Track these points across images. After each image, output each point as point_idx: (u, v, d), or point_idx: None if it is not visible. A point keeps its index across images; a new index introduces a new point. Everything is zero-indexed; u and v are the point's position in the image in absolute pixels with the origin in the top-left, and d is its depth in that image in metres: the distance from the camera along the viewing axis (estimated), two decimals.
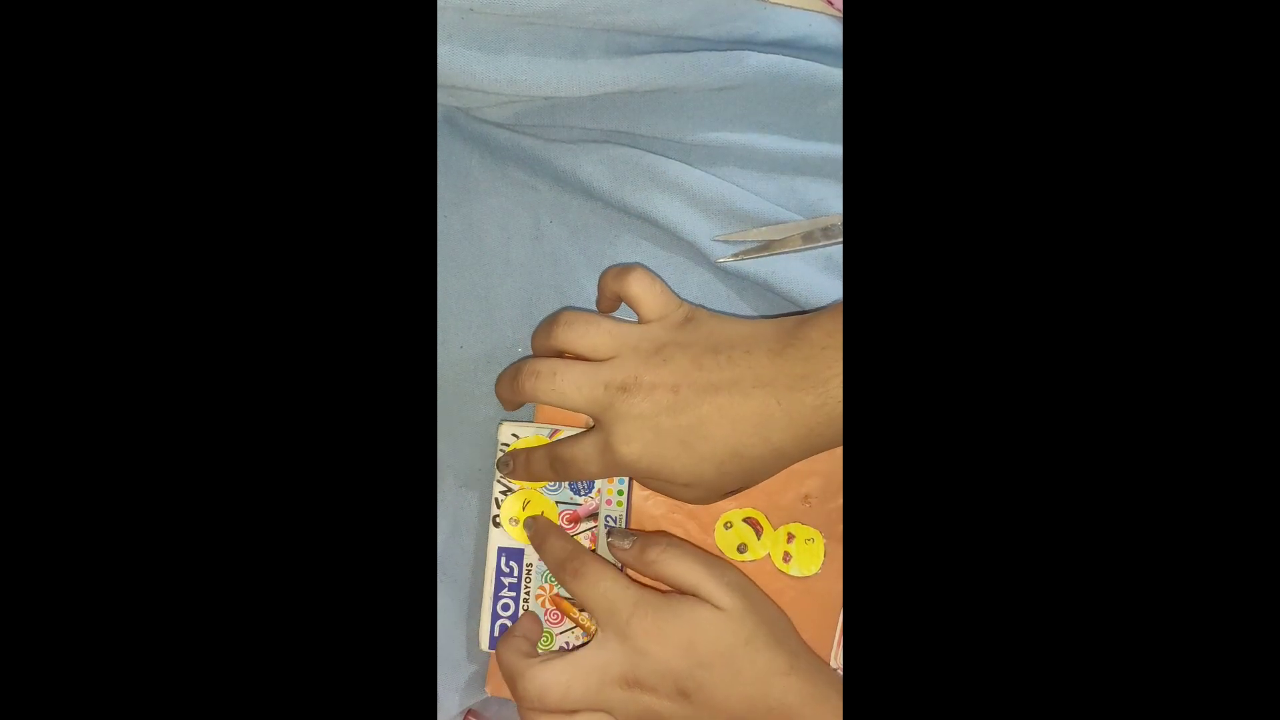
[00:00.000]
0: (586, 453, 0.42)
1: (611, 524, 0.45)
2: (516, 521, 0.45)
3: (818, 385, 0.38)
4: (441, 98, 0.47)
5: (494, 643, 0.45)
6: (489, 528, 0.46)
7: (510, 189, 0.48)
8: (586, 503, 0.46)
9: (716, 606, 0.40)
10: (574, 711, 0.40)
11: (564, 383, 0.41)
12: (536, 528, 0.45)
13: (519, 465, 0.45)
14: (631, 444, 0.40)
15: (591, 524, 0.45)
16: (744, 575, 0.43)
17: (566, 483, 0.46)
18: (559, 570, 0.43)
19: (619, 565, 0.43)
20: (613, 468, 0.41)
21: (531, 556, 0.45)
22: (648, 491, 0.46)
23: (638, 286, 0.43)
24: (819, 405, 0.38)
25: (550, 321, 0.44)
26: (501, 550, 0.45)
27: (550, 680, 0.40)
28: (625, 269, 0.43)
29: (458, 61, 0.44)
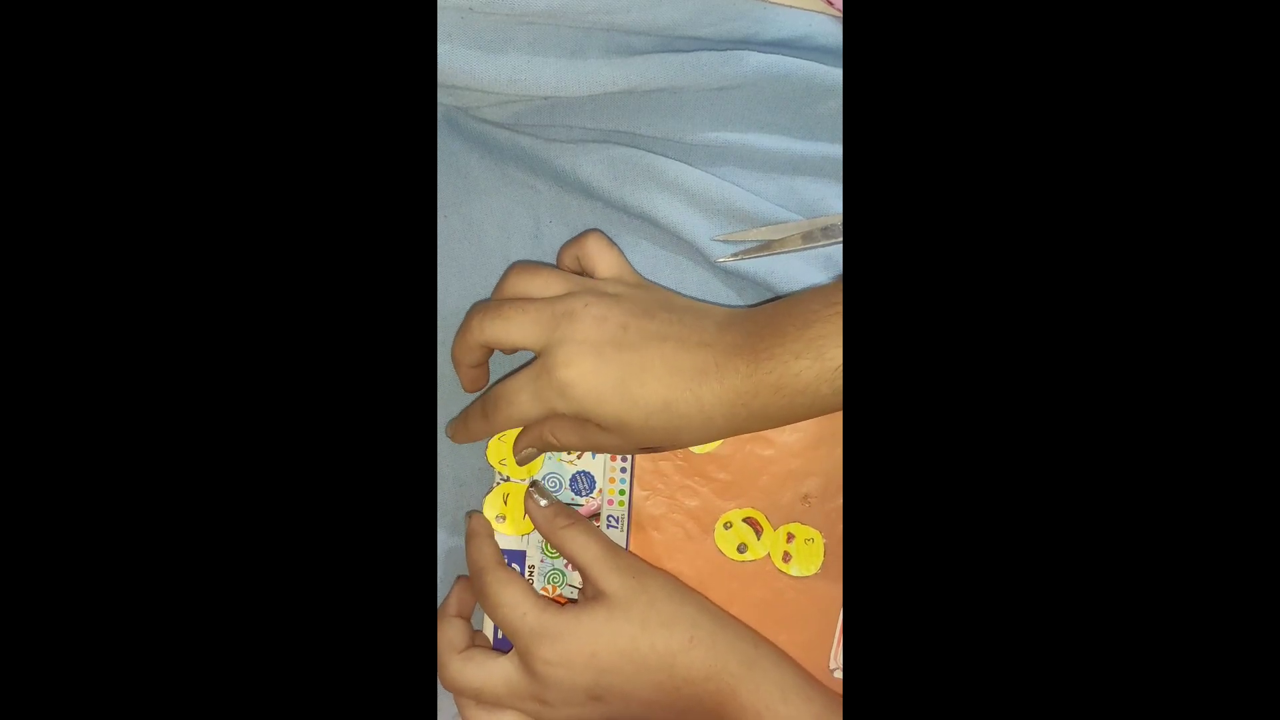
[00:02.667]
0: (519, 382, 0.41)
1: (614, 524, 0.45)
2: (504, 519, 0.45)
3: (752, 357, 0.38)
4: (441, 98, 0.47)
5: (497, 644, 0.45)
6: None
7: (510, 189, 0.48)
8: (588, 503, 0.46)
9: (602, 591, 0.41)
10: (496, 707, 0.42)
11: (512, 316, 0.41)
12: (470, 526, 0.45)
13: (456, 426, 0.45)
14: (570, 367, 0.39)
15: (593, 524, 0.45)
16: (636, 558, 0.44)
17: (567, 482, 0.45)
18: (471, 581, 0.44)
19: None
20: (545, 393, 0.40)
21: (533, 558, 0.45)
22: (648, 491, 0.46)
23: (594, 244, 0.44)
24: (749, 374, 0.38)
25: (503, 275, 0.44)
26: (503, 552, 0.45)
27: (468, 679, 0.41)
28: (580, 235, 0.45)
29: (458, 61, 0.44)
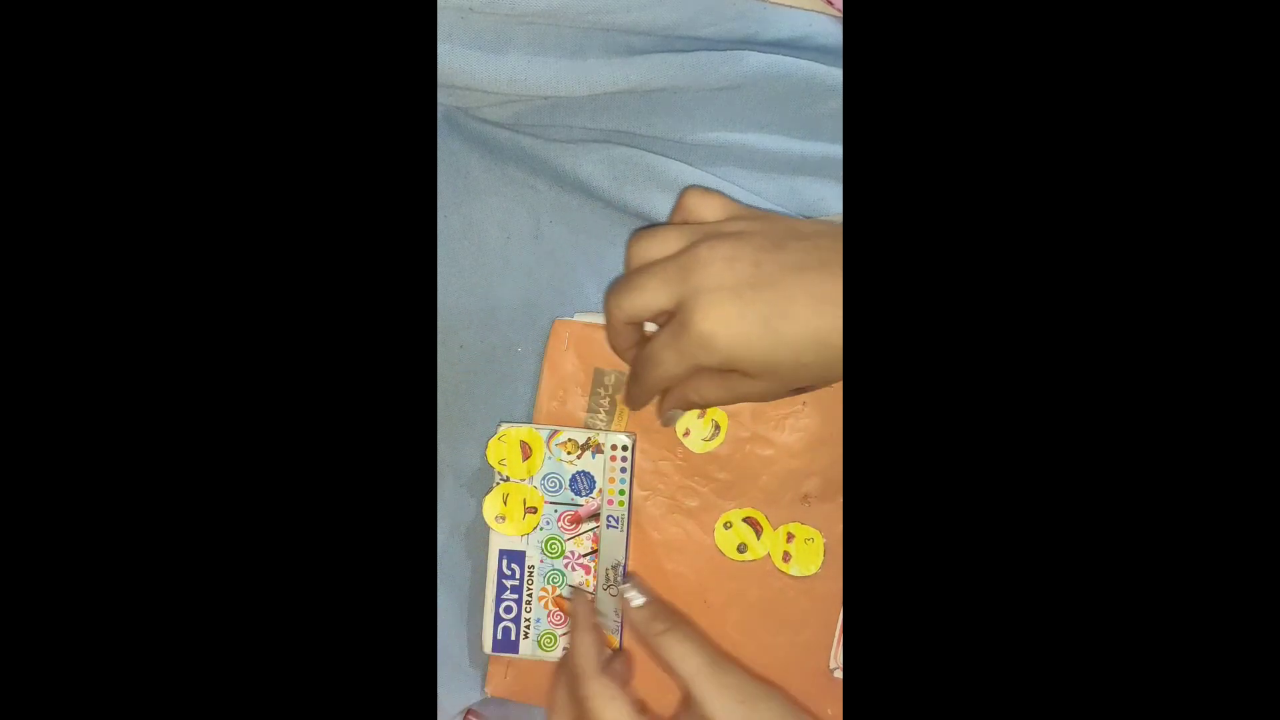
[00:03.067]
0: (661, 340, 0.39)
1: (614, 524, 0.45)
2: (504, 519, 0.45)
3: None
4: (441, 98, 0.47)
5: (496, 645, 0.45)
6: (489, 529, 0.46)
7: (510, 189, 0.48)
8: (588, 503, 0.46)
9: (706, 718, 0.38)
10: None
11: (640, 283, 0.39)
12: (572, 611, 0.43)
13: (625, 395, 0.43)
14: (709, 317, 0.37)
15: (594, 524, 0.45)
16: (744, 675, 0.39)
17: (567, 483, 0.45)
18: (568, 678, 0.41)
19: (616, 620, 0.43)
20: (688, 348, 0.38)
21: (533, 559, 0.45)
22: (648, 491, 0.46)
23: (693, 198, 0.42)
24: None
25: (626, 250, 0.42)
26: (503, 552, 0.45)
27: None
28: (679, 197, 0.43)
29: (458, 61, 0.44)
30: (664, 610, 0.42)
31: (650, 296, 0.39)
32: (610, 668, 0.42)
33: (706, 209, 0.42)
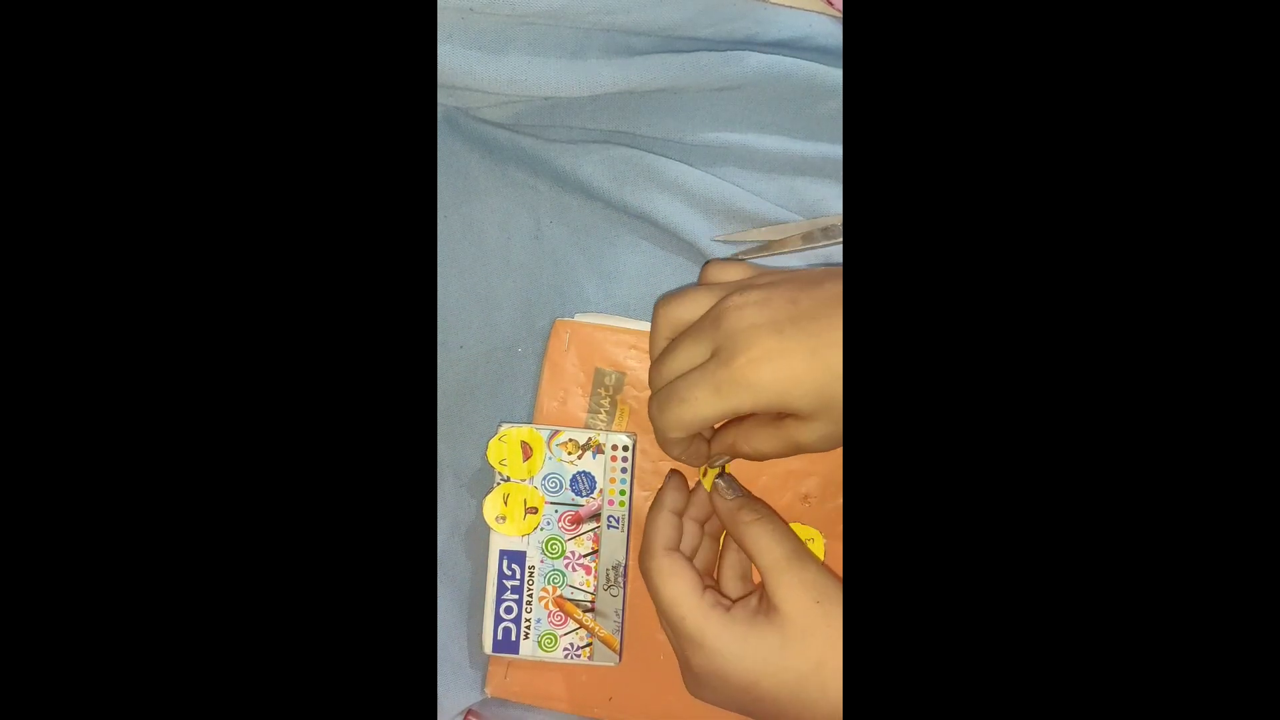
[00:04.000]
0: (694, 378, 0.36)
1: (614, 525, 0.45)
2: (504, 519, 0.45)
3: None
4: (441, 98, 0.47)
5: (497, 645, 0.45)
6: (489, 529, 0.46)
7: (510, 189, 0.48)
8: (588, 503, 0.46)
9: (777, 608, 0.37)
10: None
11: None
12: (663, 492, 0.42)
13: (659, 438, 0.40)
14: (751, 352, 0.35)
15: (594, 525, 0.45)
16: (824, 572, 0.39)
17: (567, 483, 0.45)
18: (642, 556, 0.41)
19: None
20: (726, 388, 0.36)
21: (533, 559, 0.45)
22: (648, 491, 0.46)
23: (713, 270, 0.41)
24: None
25: (652, 320, 0.41)
26: (503, 553, 0.45)
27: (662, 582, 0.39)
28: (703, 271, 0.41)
29: (458, 61, 0.44)
30: (754, 503, 0.41)
31: (686, 361, 0.37)
32: (677, 551, 0.41)
33: (729, 273, 0.41)
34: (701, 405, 0.37)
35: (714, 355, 0.37)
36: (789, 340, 0.35)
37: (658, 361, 0.40)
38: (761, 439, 0.38)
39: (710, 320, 0.38)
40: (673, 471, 0.44)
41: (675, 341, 0.39)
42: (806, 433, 0.37)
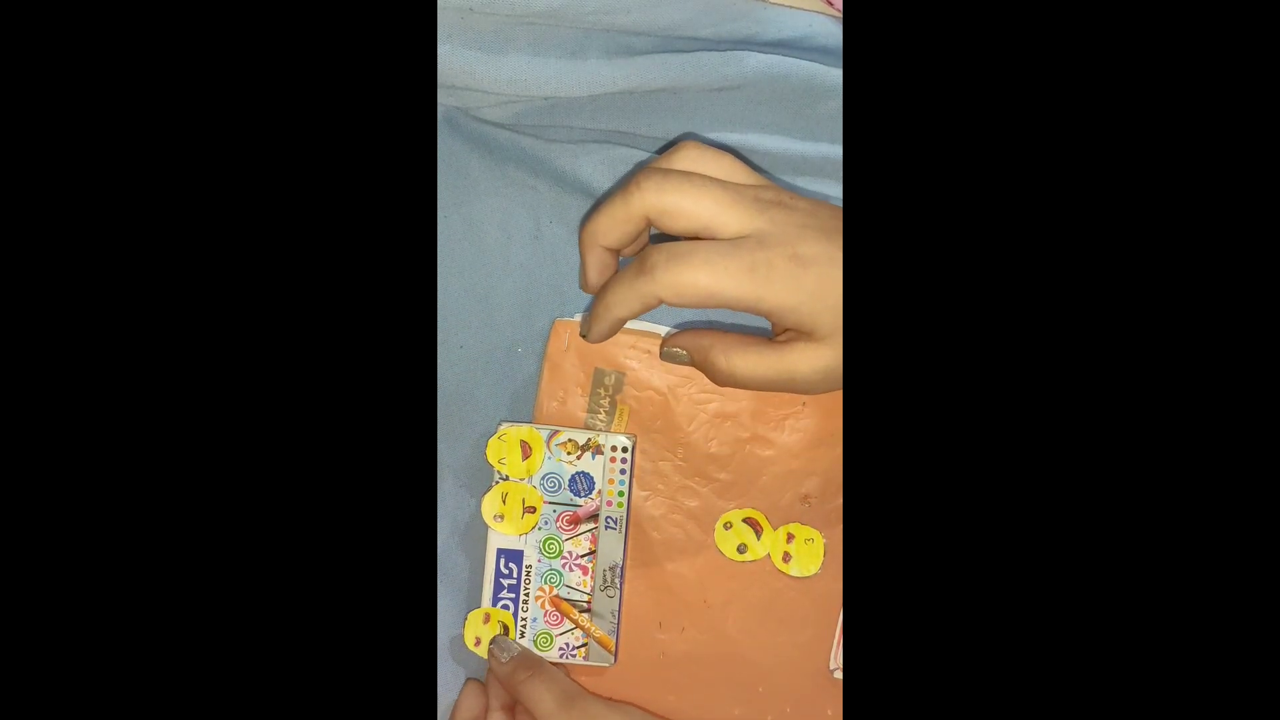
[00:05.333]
0: (710, 250, 0.34)
1: (612, 525, 0.45)
2: (502, 518, 0.45)
3: None
4: (441, 98, 0.47)
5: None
6: (487, 529, 0.46)
7: (510, 189, 0.48)
8: (586, 504, 0.46)
9: None
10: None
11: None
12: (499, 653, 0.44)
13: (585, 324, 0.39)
14: (802, 245, 0.34)
15: (592, 525, 0.45)
16: (600, 702, 0.43)
17: (566, 483, 0.45)
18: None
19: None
20: (762, 270, 0.34)
21: (530, 559, 0.45)
22: (648, 491, 0.46)
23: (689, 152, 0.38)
24: None
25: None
26: (501, 552, 0.45)
27: None
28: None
29: (458, 61, 0.44)
30: (529, 659, 0.43)
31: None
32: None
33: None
34: (710, 282, 0.34)
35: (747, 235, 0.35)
36: (808, 248, 0.34)
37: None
38: (748, 359, 0.36)
39: (754, 199, 0.36)
40: (468, 680, 0.45)
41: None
42: (809, 360, 0.35)
